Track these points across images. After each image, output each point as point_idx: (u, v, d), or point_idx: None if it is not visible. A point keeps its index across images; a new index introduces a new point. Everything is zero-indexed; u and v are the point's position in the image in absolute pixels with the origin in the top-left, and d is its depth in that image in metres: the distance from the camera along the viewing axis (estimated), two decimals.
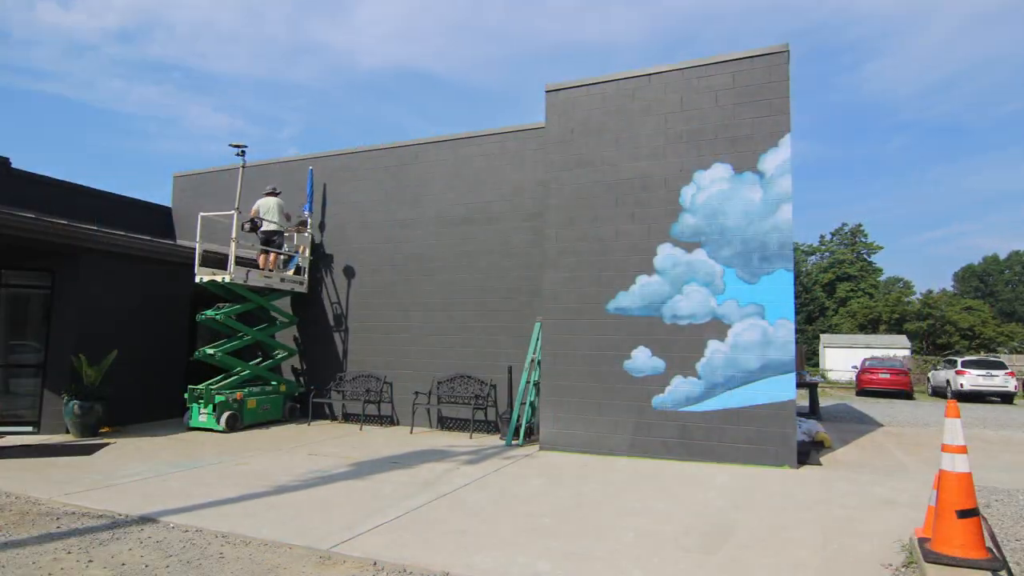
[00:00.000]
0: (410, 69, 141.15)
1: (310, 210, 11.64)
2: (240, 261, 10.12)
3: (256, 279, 10.26)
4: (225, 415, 9.37)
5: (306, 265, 11.47)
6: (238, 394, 9.71)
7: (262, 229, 10.68)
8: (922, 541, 4.09)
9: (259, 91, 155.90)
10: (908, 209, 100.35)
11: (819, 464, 7.56)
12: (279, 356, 11.15)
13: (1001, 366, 20.99)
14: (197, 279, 9.79)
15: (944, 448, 4.03)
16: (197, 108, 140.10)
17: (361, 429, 10.09)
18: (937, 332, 42.43)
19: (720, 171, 7.93)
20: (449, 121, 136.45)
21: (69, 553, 4.15)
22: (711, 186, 7.95)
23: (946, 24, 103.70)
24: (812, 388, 13.35)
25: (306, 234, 11.49)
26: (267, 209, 10.71)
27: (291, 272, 11.25)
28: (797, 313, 25.06)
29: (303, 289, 11.38)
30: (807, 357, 39.02)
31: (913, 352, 36.71)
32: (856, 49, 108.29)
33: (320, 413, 11.17)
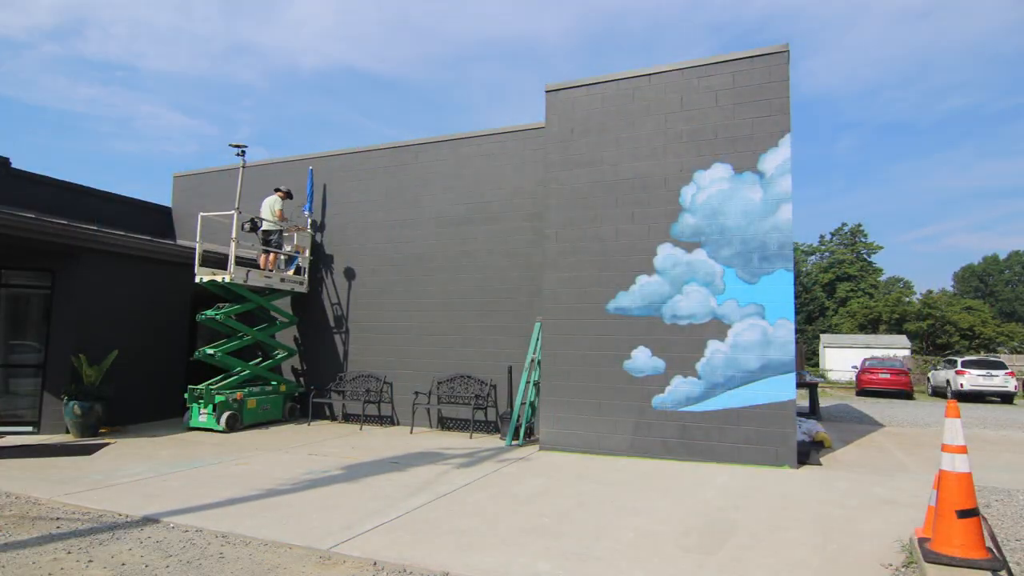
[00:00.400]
0: (346, 67, 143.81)
1: (310, 210, 11.64)
2: (240, 261, 10.12)
3: (256, 279, 10.26)
4: (225, 415, 9.37)
5: (306, 265, 11.47)
6: (238, 394, 9.71)
7: (262, 229, 10.68)
8: (922, 541, 4.09)
9: (209, 92, 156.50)
10: (873, 210, 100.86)
11: (819, 464, 7.56)
12: (279, 356, 11.14)
13: (1001, 366, 20.98)
14: (197, 279, 9.79)
15: (944, 448, 4.03)
16: (148, 108, 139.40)
17: (361, 429, 10.09)
18: (937, 332, 42.44)
19: (720, 171, 7.92)
20: (397, 120, 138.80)
21: (69, 553, 4.15)
22: (711, 186, 7.95)
23: (876, 21, 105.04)
24: (812, 388, 13.34)
25: (306, 234, 11.49)
26: (266, 208, 10.72)
27: (291, 272, 11.25)
28: (797, 313, 25.03)
29: (303, 289, 11.38)
30: (807, 357, 39.04)
31: (913, 352, 36.72)
32: (792, 46, 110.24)
33: (320, 413, 11.17)
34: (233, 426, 9.46)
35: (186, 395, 9.65)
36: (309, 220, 11.63)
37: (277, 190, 10.97)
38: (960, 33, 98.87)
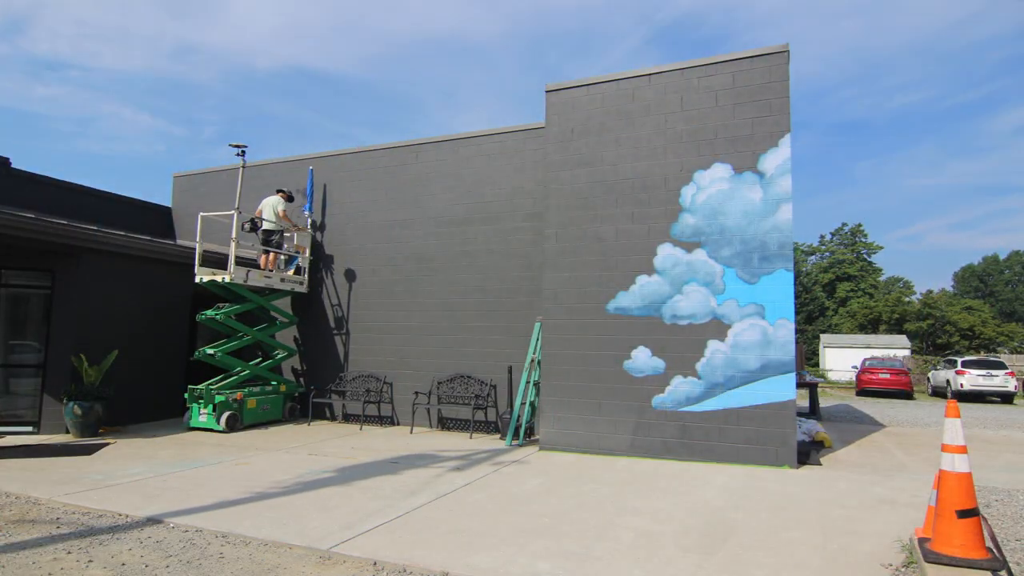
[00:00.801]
0: (299, 67, 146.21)
1: (310, 210, 11.64)
2: (240, 261, 10.12)
3: (256, 279, 10.25)
4: (225, 415, 9.37)
5: (306, 265, 11.47)
6: (238, 394, 9.71)
7: (262, 229, 10.68)
8: (922, 541, 4.10)
9: (169, 92, 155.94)
10: (847, 210, 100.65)
11: (819, 464, 7.56)
12: (279, 356, 11.14)
13: (1001, 366, 20.98)
14: (197, 279, 9.79)
15: (944, 448, 4.02)
16: (110, 107, 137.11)
17: (361, 429, 10.09)
18: (937, 332, 42.44)
19: (720, 171, 7.92)
20: (354, 119, 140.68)
21: (69, 553, 4.15)
22: (711, 186, 7.95)
23: (814, 17, 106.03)
24: (812, 388, 13.34)
25: (306, 234, 11.49)
26: (267, 208, 10.73)
27: (291, 272, 11.25)
28: (797, 313, 24.98)
29: (303, 289, 11.38)
30: (807, 357, 39.03)
31: (913, 352, 36.71)
32: (713, 44, 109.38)
33: (320, 413, 11.17)
34: (233, 426, 9.46)
35: (186, 395, 9.65)
36: (309, 220, 11.63)
37: (279, 191, 10.97)
38: (899, 31, 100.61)
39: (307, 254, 11.49)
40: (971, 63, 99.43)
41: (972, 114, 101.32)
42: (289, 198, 11.01)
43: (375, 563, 4.04)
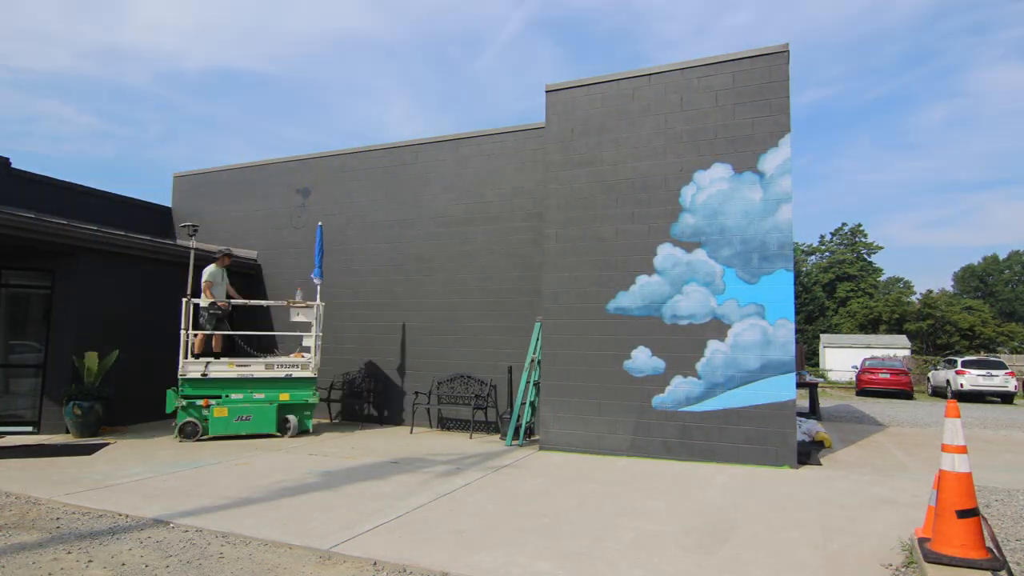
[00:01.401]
0: (219, 68, 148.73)
1: (320, 276, 10.13)
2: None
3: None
4: None
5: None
6: None
7: (201, 305, 9.35)
8: (922, 541, 4.09)
9: (107, 94, 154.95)
10: (809, 210, 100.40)
11: (819, 464, 7.56)
12: None
13: (1001, 366, 21.00)
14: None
15: (944, 448, 4.02)
16: (51, 106, 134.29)
17: (361, 429, 10.09)
18: (937, 332, 42.46)
19: (720, 171, 7.92)
20: (277, 116, 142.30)
21: (69, 553, 4.15)
22: (711, 186, 7.95)
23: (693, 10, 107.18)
24: (812, 388, 13.34)
25: (314, 307, 9.86)
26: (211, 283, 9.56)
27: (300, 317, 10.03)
28: (797, 313, 24.96)
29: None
30: (807, 357, 39.03)
31: (913, 352, 36.72)
32: (616, 40, 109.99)
33: (320, 413, 11.15)
34: None
35: None
36: (319, 286, 10.16)
37: (223, 254, 9.83)
38: (789, 24, 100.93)
39: (320, 312, 9.89)
40: (874, 56, 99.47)
41: (893, 108, 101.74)
42: (226, 258, 9.78)
43: (375, 563, 4.04)
